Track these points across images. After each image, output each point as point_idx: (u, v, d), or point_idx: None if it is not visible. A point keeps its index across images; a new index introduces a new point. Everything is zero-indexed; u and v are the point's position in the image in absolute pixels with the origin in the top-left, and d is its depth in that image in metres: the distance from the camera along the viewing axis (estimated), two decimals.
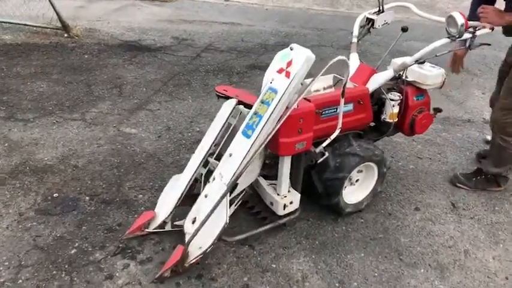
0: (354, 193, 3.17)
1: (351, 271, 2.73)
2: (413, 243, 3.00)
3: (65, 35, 6.40)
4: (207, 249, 2.50)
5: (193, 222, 2.64)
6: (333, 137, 2.80)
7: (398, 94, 3.15)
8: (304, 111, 2.65)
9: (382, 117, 3.21)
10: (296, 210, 3.00)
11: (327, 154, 2.81)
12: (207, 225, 2.49)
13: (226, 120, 2.80)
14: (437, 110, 3.46)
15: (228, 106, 2.82)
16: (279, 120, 2.54)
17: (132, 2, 8.76)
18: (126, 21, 7.45)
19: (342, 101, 2.73)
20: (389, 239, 3.02)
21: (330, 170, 2.96)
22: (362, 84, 3.14)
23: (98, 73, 5.35)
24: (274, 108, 2.50)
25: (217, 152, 2.84)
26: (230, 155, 2.62)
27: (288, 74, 2.51)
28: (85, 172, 3.48)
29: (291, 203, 2.92)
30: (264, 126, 2.52)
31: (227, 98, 3.20)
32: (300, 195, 2.96)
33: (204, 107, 4.64)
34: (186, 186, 2.79)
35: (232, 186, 2.54)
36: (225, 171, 2.60)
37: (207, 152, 2.79)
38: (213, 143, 2.80)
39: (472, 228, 3.19)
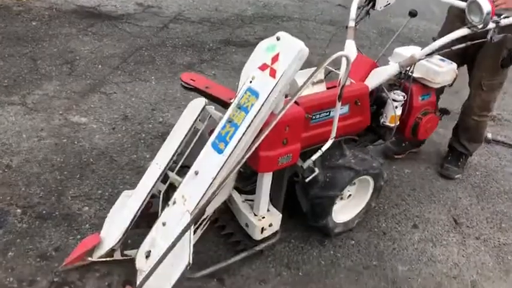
0: (344, 210, 2.66)
1: None
2: (413, 273, 2.53)
3: None
4: None
5: (147, 256, 2.07)
6: (324, 148, 2.26)
7: (403, 94, 2.61)
8: (291, 118, 2.09)
9: (382, 120, 2.67)
10: (276, 233, 2.47)
11: (317, 171, 2.27)
12: (164, 264, 1.93)
13: (192, 126, 2.20)
14: (444, 112, 2.94)
15: (194, 108, 2.23)
16: (260, 131, 1.97)
17: None
18: None
19: (339, 104, 2.18)
20: (385, 267, 2.53)
21: (318, 186, 2.43)
22: (360, 80, 2.59)
23: (47, 45, 4.61)
24: (254, 117, 1.93)
25: (180, 163, 2.25)
26: (196, 173, 2.05)
27: (273, 73, 1.92)
28: (19, 175, 2.84)
29: (270, 225, 2.39)
30: (240, 139, 1.95)
31: (195, 90, 2.61)
32: (281, 215, 2.42)
33: (168, 91, 4.01)
34: (140, 207, 2.21)
35: (199, 215, 1.96)
36: (189, 194, 2.04)
37: (167, 164, 2.21)
38: (175, 153, 2.21)
39: (478, 251, 2.74)
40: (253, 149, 1.88)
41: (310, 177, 2.25)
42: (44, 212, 2.58)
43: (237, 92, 2.07)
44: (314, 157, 2.27)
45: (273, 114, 2.00)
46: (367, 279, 2.45)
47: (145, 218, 2.28)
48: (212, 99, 2.63)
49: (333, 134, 2.26)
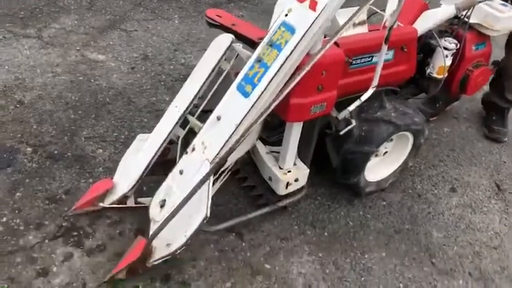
0: (378, 168, 2.43)
1: (368, 279, 2.06)
2: (448, 240, 2.31)
3: None
4: (176, 250, 1.79)
5: (162, 206, 1.89)
6: (364, 98, 2.00)
7: (455, 41, 2.30)
8: (329, 61, 1.82)
9: (428, 71, 2.38)
10: (302, 188, 2.26)
11: (353, 123, 2.02)
12: (179, 215, 1.75)
13: (217, 65, 1.96)
14: (497, 65, 2.62)
15: (219, 45, 1.98)
16: (293, 74, 1.72)
17: None
18: None
19: (385, 48, 1.90)
20: (418, 231, 2.33)
21: (353, 140, 2.19)
22: (408, 23, 2.28)
23: None
24: (288, 57, 1.67)
25: (202, 107, 2.03)
26: (218, 119, 1.82)
27: (313, 5, 1.65)
28: (31, 111, 2.67)
29: (295, 180, 2.18)
30: (270, 82, 1.70)
31: (221, 27, 2.35)
32: (308, 170, 2.20)
33: (192, 31, 3.73)
34: (156, 152, 2.01)
35: (220, 165, 1.76)
36: (209, 141, 1.82)
37: (188, 107, 1.98)
38: (196, 95, 1.98)
39: None
40: (284, 94, 1.64)
41: (345, 130, 2.01)
42: (56, 152, 2.42)
43: (269, 28, 1.81)
44: (351, 107, 2.02)
45: (309, 55, 1.74)
46: (398, 244, 2.24)
47: (162, 165, 2.10)
48: (239, 37, 2.37)
49: (375, 82, 1.99)
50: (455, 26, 2.33)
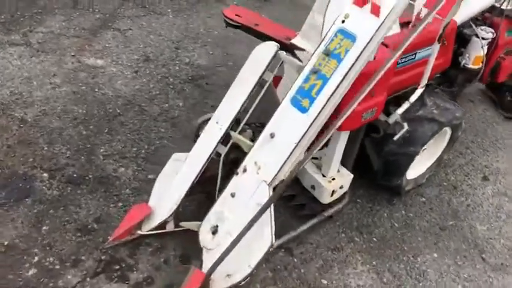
0: (416, 164, 2.34)
1: (426, 284, 2.01)
2: (493, 232, 2.28)
3: None
4: (240, 282, 1.66)
5: (214, 232, 1.76)
6: (413, 99, 1.90)
7: (491, 30, 2.21)
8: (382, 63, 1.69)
9: (463, 62, 2.30)
10: (344, 195, 2.17)
11: (406, 127, 1.92)
12: (239, 244, 1.62)
13: (261, 77, 1.81)
14: None
15: (262, 55, 1.82)
16: (355, 84, 1.60)
17: None
18: None
19: (437, 47, 1.80)
20: (462, 227, 2.28)
21: (395, 141, 2.08)
22: (443, 14, 2.16)
23: None
24: (351, 66, 1.54)
25: (244, 122, 1.89)
26: (272, 136, 1.69)
27: (376, 9, 1.52)
28: (38, 130, 2.45)
29: (340, 187, 2.08)
30: (332, 95, 1.57)
31: (242, 27, 2.20)
32: (352, 176, 2.10)
33: (189, 26, 3.53)
34: (198, 174, 1.86)
35: (283, 190, 1.63)
36: (264, 161, 1.69)
37: (231, 123, 1.84)
38: (239, 111, 1.83)
39: None
40: (352, 107, 1.52)
41: (400, 135, 1.90)
42: (75, 175, 2.23)
43: (323, 35, 1.67)
44: (400, 110, 1.92)
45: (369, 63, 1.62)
46: (447, 242, 2.20)
47: (200, 184, 1.95)
48: (264, 38, 2.23)
49: (424, 81, 1.90)
50: (488, 14, 2.24)
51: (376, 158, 2.18)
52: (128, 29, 3.41)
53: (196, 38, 3.40)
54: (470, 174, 2.59)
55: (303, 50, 2.14)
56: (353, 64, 1.54)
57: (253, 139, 1.96)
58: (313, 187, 2.08)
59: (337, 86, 1.56)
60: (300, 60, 2.13)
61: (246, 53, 3.18)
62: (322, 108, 1.58)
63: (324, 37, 1.63)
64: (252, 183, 1.70)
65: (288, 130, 1.65)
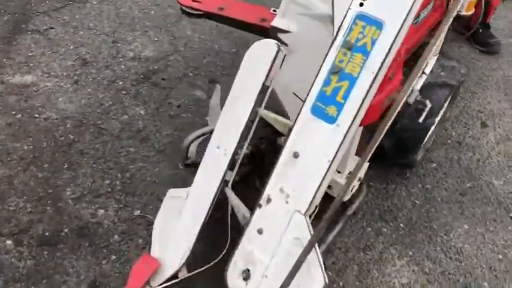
0: None
1: (468, 262, 1.87)
2: (510, 185, 2.19)
3: None
4: None
5: (247, 278, 1.48)
6: (429, 70, 1.66)
7: None
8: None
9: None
10: (361, 186, 1.95)
11: (429, 104, 1.69)
12: None
13: (263, 85, 1.47)
14: None
15: (260, 55, 1.47)
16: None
17: None
18: None
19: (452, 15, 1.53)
20: (481, 186, 2.16)
21: (407, 115, 1.86)
22: None
23: None
24: (384, 59, 1.25)
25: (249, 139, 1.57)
26: (296, 156, 1.39)
27: None
28: None
29: (358, 180, 1.85)
30: (365, 98, 1.28)
31: (204, 15, 1.84)
32: (368, 164, 1.87)
33: (120, 11, 3.04)
34: (208, 212, 1.55)
35: (329, 219, 1.36)
36: (292, 186, 1.41)
37: (236, 146, 1.51)
38: (244, 130, 1.50)
39: None
40: (394, 114, 1.25)
41: (424, 117, 1.67)
42: (47, 233, 1.84)
43: (335, 24, 1.35)
44: (418, 85, 1.67)
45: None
46: (472, 208, 2.07)
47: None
48: (233, 24, 1.88)
49: (438, 48, 1.65)
50: None
51: (386, 136, 1.94)
52: (49, 28, 2.86)
53: (133, 24, 2.93)
54: (468, 123, 2.45)
55: (287, 32, 1.81)
56: (385, 56, 1.25)
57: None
58: (329, 187, 1.82)
59: (370, 86, 1.27)
60: (286, 45, 1.82)
61: (192, 34, 2.81)
62: (356, 114, 1.29)
63: (340, 26, 1.31)
64: (282, 215, 1.41)
65: (316, 147, 1.36)
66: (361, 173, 1.89)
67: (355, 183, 1.87)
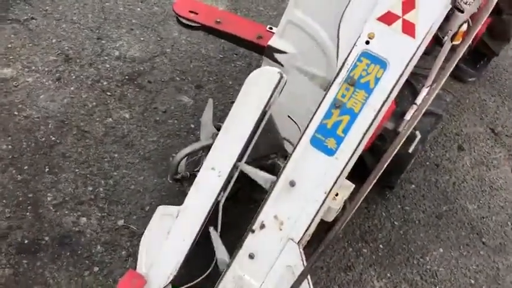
0: None
1: (441, 286, 1.96)
2: (483, 210, 2.28)
3: None
4: None
5: None
6: (420, 100, 1.72)
7: None
8: None
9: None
10: (345, 203, 1.98)
11: (419, 136, 1.74)
12: None
13: (263, 112, 1.48)
14: None
15: (262, 82, 1.47)
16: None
17: None
18: None
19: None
20: (456, 210, 2.24)
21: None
22: None
23: None
24: (386, 98, 1.28)
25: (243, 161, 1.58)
26: (292, 185, 1.41)
27: (409, 28, 1.25)
28: None
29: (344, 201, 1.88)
30: (365, 133, 1.31)
31: (201, 28, 1.84)
32: (354, 185, 1.91)
33: (105, 4, 2.97)
34: (197, 236, 1.55)
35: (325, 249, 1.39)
36: (286, 214, 1.43)
37: (231, 170, 1.51)
38: (240, 155, 1.51)
39: None
40: (392, 153, 1.28)
41: (413, 147, 1.72)
42: (26, 241, 1.80)
43: (339, 58, 1.37)
44: (408, 115, 1.72)
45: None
46: (447, 232, 2.15)
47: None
48: (229, 38, 1.88)
49: (430, 80, 1.70)
50: None
51: (371, 159, 1.98)
52: (30, 18, 2.76)
53: (118, 21, 2.86)
54: (446, 146, 2.53)
55: (284, 52, 1.82)
56: (388, 96, 1.28)
57: None
58: None
59: (371, 123, 1.30)
60: (282, 65, 1.83)
61: (179, 36, 2.77)
62: (355, 149, 1.32)
63: (344, 61, 1.33)
64: (275, 242, 1.43)
65: (313, 177, 1.38)
66: (346, 194, 1.92)
67: (341, 204, 1.90)
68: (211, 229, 1.55)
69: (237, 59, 2.71)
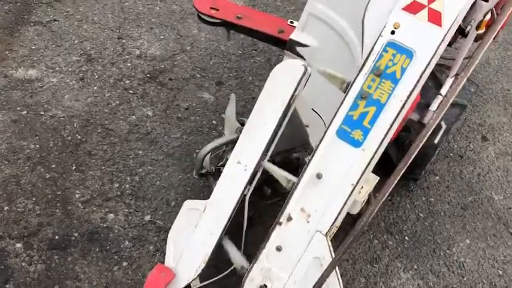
0: None
1: (469, 277, 1.93)
2: (509, 201, 2.25)
3: None
4: None
5: None
6: (444, 91, 1.70)
7: None
8: None
9: None
10: (369, 196, 1.97)
11: (444, 126, 1.73)
12: None
13: (288, 105, 1.49)
14: None
15: (287, 75, 1.48)
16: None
17: None
18: None
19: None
20: (481, 201, 2.22)
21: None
22: None
23: None
24: (413, 88, 1.27)
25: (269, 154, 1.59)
26: (319, 177, 1.42)
27: (435, 17, 1.24)
28: None
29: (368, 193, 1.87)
30: (392, 124, 1.31)
31: (222, 24, 1.85)
32: (378, 178, 1.90)
33: (125, 5, 3.00)
34: (225, 227, 1.57)
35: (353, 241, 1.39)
36: (314, 207, 1.44)
37: (258, 163, 1.52)
38: (266, 148, 1.52)
39: None
40: (420, 144, 1.28)
41: (440, 137, 1.71)
42: (57, 237, 1.83)
43: (364, 48, 1.37)
44: (434, 106, 1.71)
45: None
46: (473, 222, 2.13)
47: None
48: (250, 33, 1.88)
49: (454, 70, 1.68)
50: None
51: (395, 152, 1.98)
52: (52, 19, 2.80)
53: (138, 20, 2.89)
54: (469, 137, 2.50)
55: (306, 46, 1.82)
56: (415, 86, 1.27)
57: None
58: None
59: (398, 114, 1.30)
60: (304, 59, 1.83)
61: (198, 33, 2.79)
62: (382, 140, 1.32)
63: (370, 52, 1.33)
64: (302, 234, 1.44)
65: (340, 169, 1.38)
66: (371, 187, 1.92)
67: (365, 197, 1.90)
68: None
69: (257, 55, 2.72)
